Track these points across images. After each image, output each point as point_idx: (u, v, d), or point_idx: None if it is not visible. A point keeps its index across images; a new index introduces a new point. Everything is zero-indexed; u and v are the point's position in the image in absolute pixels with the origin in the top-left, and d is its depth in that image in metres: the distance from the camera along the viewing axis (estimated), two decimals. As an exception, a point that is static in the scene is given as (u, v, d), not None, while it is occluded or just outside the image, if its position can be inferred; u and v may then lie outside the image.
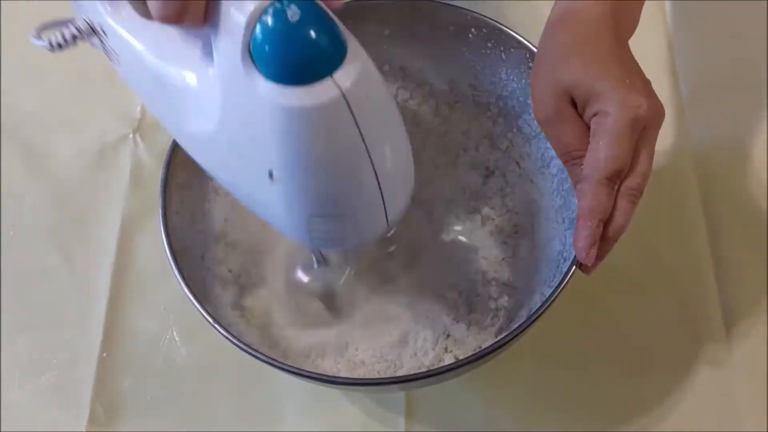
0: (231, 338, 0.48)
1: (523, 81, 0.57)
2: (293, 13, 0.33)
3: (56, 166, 0.69)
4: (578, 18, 0.48)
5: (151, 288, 0.63)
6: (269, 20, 0.33)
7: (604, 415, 0.57)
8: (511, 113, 0.60)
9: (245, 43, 0.33)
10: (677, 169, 0.65)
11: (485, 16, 0.56)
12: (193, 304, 0.49)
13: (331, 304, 0.59)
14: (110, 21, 0.41)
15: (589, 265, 0.46)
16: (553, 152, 0.49)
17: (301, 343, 0.57)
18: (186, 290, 0.50)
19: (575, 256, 0.46)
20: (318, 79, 0.33)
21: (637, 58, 0.48)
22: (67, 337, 0.61)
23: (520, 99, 0.58)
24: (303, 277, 0.59)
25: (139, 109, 0.71)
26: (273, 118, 0.34)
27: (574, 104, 0.47)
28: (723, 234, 0.62)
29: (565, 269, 0.47)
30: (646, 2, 0.52)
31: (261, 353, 0.48)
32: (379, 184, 0.38)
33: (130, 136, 0.69)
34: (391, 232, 0.42)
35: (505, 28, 0.56)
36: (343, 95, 0.34)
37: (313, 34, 0.33)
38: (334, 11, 0.35)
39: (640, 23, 0.51)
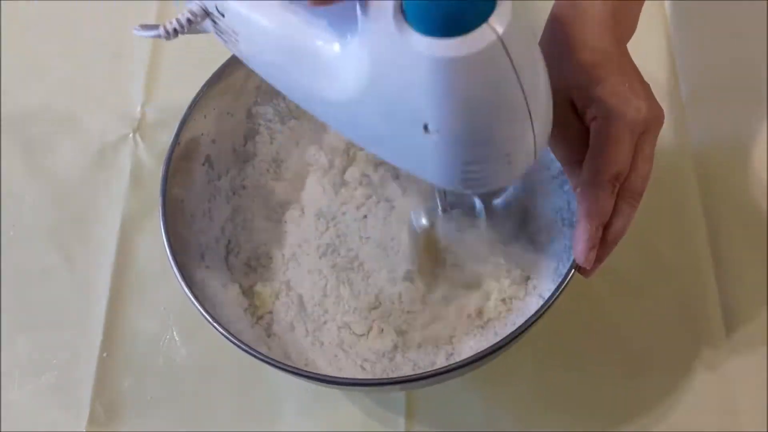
0: (231, 338, 0.48)
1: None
2: None
3: (56, 166, 0.69)
4: (578, 18, 0.48)
5: (151, 288, 0.63)
6: None
7: (604, 415, 0.57)
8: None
9: (397, 4, 0.34)
10: (677, 169, 0.65)
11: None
12: (193, 304, 0.49)
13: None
14: (231, 1, 0.42)
15: (588, 268, 0.46)
16: (552, 154, 0.49)
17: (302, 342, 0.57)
18: (186, 290, 0.50)
19: (574, 259, 0.46)
20: (475, 26, 0.33)
21: (637, 58, 0.48)
22: (67, 337, 0.62)
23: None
24: (424, 221, 0.58)
25: (139, 109, 0.71)
26: (432, 72, 0.34)
27: (573, 107, 0.47)
28: (723, 234, 0.62)
29: (564, 271, 0.47)
30: (646, 2, 0.52)
31: (261, 353, 0.48)
32: (531, 121, 0.38)
33: (130, 136, 0.69)
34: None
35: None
36: (500, 39, 0.34)
37: None
38: None
39: (640, 23, 0.51)
